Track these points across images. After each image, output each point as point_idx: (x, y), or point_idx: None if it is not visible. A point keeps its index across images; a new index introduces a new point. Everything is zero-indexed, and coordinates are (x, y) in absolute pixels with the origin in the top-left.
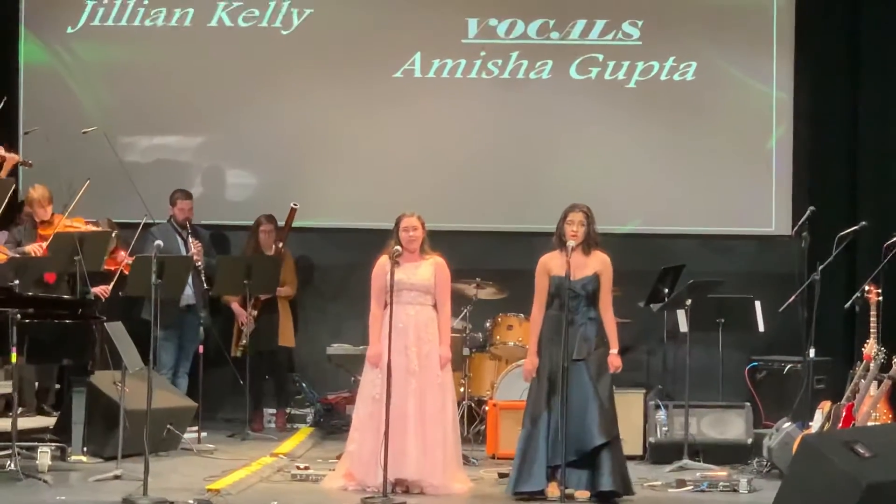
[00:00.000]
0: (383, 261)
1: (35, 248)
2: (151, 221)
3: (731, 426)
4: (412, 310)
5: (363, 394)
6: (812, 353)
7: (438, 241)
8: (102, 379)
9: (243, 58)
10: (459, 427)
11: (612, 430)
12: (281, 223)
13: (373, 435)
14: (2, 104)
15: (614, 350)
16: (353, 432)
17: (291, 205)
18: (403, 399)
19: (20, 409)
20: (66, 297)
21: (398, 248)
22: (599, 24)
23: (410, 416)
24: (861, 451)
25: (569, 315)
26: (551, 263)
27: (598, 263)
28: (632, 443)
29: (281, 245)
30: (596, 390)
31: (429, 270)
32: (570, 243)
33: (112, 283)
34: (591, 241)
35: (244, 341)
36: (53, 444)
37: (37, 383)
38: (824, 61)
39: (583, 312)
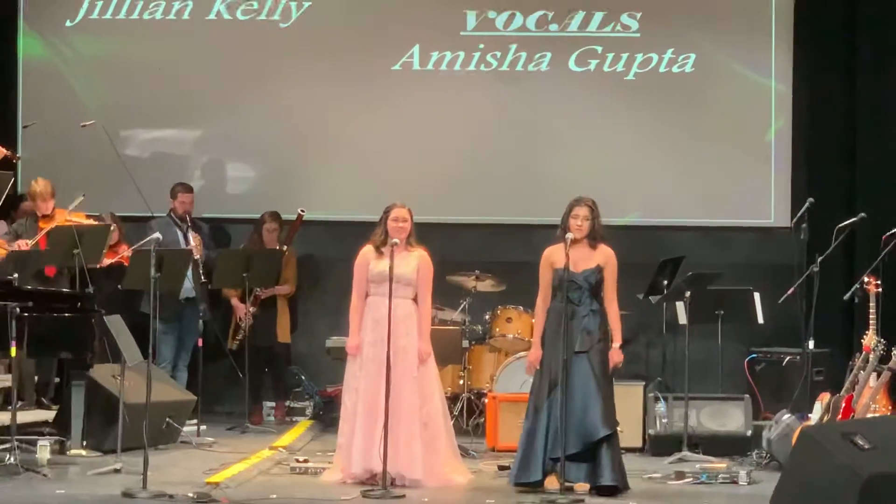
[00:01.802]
0: (366, 251)
1: (21, 244)
2: (150, 215)
3: (731, 418)
4: (392, 302)
5: (348, 386)
6: (811, 344)
7: (437, 233)
8: (102, 372)
9: (242, 51)
10: (458, 420)
11: (613, 423)
12: (286, 216)
13: (357, 426)
14: None
15: (616, 344)
16: (342, 424)
17: (299, 211)
18: (377, 392)
19: (19, 403)
20: (65, 290)
21: (395, 240)
22: (598, 16)
23: (383, 410)
24: (860, 442)
25: (570, 307)
26: (555, 256)
27: (602, 256)
28: (631, 435)
29: (285, 249)
30: (598, 383)
31: (413, 264)
32: (570, 236)
33: (112, 261)
34: (597, 235)
35: (241, 335)
36: (53, 437)
37: (36, 377)
38: (823, 53)
39: (585, 304)
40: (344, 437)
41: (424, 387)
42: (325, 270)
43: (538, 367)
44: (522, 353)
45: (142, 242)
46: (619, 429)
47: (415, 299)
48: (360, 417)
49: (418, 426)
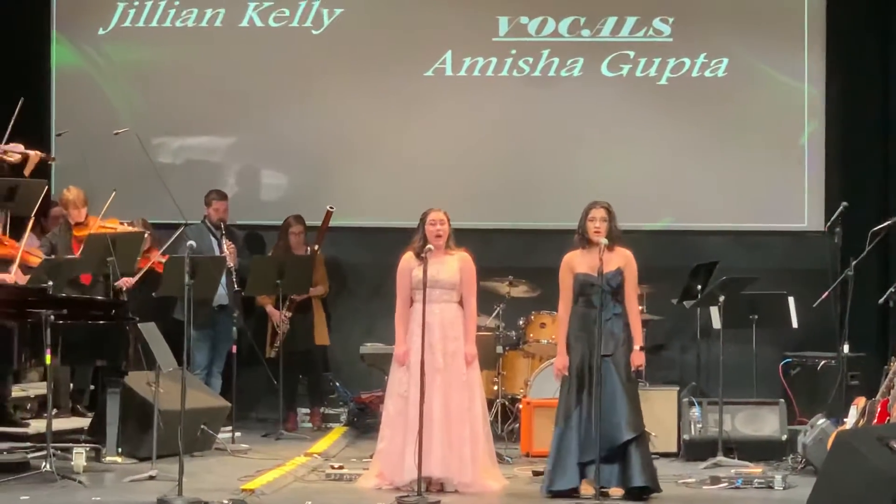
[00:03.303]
0: (408, 258)
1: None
2: (183, 222)
3: (766, 423)
4: (437, 307)
5: (391, 392)
6: (846, 348)
7: (471, 239)
8: (136, 379)
9: (274, 58)
10: (493, 425)
11: (639, 425)
12: (312, 222)
13: (401, 433)
14: (19, 105)
15: (637, 346)
16: (382, 430)
17: (328, 207)
18: (428, 397)
19: (55, 411)
20: (99, 298)
21: (430, 246)
22: (630, 21)
23: (435, 415)
24: None
25: (595, 311)
26: (574, 261)
27: (622, 259)
28: (666, 440)
29: (317, 248)
30: (624, 386)
31: (454, 266)
32: (603, 241)
33: (137, 277)
34: (614, 237)
35: (278, 343)
36: (88, 444)
37: (71, 384)
38: (856, 56)
39: (609, 308)
40: (385, 442)
41: (469, 390)
42: (360, 277)
43: (565, 374)
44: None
45: (168, 243)
46: (653, 434)
47: (460, 302)
48: (413, 424)
49: (468, 430)
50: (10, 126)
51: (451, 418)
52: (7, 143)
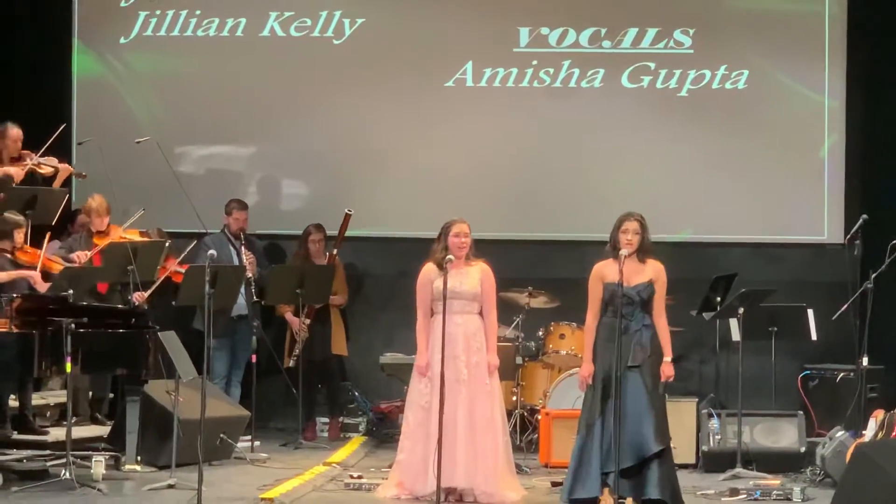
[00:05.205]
0: (428, 269)
1: (80, 255)
2: (203, 232)
3: (784, 434)
4: (460, 319)
5: (412, 402)
6: (865, 361)
7: (490, 249)
8: (156, 388)
9: (295, 67)
10: (512, 436)
11: (666, 438)
12: (332, 231)
13: (422, 443)
14: (59, 131)
15: (668, 358)
16: (402, 441)
17: (346, 211)
18: (452, 408)
19: (74, 419)
20: (119, 306)
21: (450, 256)
22: (651, 33)
23: (459, 425)
24: None
25: (623, 322)
26: (605, 271)
27: (653, 271)
28: (684, 451)
29: (335, 252)
30: (651, 398)
31: (475, 278)
32: (623, 252)
33: (151, 290)
34: (646, 249)
35: (297, 351)
36: (107, 453)
37: (91, 392)
38: (876, 69)
39: (638, 319)
40: (405, 453)
41: (491, 400)
42: (378, 287)
43: (590, 383)
44: (575, 369)
45: (184, 253)
46: (672, 446)
47: (480, 313)
48: (435, 435)
49: (491, 439)
50: (48, 145)
51: (475, 429)
52: (41, 156)
